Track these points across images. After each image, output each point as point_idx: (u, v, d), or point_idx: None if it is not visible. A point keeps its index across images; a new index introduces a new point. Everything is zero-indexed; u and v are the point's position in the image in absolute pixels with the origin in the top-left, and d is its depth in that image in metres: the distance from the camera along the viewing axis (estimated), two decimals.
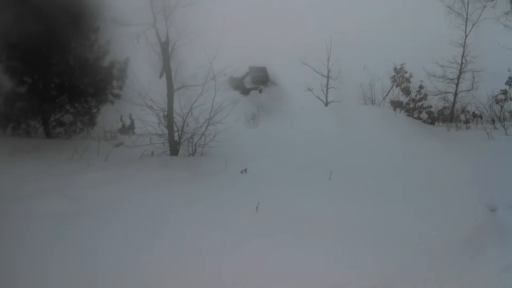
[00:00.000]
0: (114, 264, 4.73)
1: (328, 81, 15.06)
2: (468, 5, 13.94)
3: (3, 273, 4.48)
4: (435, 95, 13.96)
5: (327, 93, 15.01)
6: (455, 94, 14.05)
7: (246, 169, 7.62)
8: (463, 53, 13.94)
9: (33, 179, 7.18)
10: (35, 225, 5.43)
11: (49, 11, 10.35)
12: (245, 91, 18.96)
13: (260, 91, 19.17)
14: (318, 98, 14.86)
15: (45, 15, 10.28)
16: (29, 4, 10.07)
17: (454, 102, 13.95)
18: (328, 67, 14.96)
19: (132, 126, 12.37)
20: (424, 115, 13.20)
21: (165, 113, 8.97)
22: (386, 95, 14.41)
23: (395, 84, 14.03)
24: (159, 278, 4.54)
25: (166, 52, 8.78)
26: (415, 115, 13.24)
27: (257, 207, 5.94)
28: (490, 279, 4.78)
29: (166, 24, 8.66)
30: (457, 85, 14.02)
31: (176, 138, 9.06)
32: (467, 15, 13.95)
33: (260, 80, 19.83)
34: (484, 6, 14.03)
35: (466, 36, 13.93)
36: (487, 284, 4.69)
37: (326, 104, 14.75)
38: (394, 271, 4.81)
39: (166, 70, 8.95)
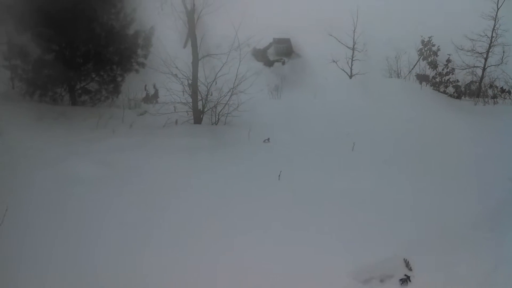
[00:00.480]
0: (136, 224, 4.84)
1: (353, 53, 14.87)
2: None
3: (28, 236, 4.60)
4: (462, 69, 13.72)
5: (351, 65, 14.85)
6: (484, 69, 13.76)
7: (269, 138, 7.65)
8: (494, 26, 13.56)
9: (59, 143, 7.33)
10: (61, 187, 5.56)
11: None
12: (269, 63, 18.87)
13: (283, 63, 19.06)
14: (343, 70, 14.73)
15: None
16: None
17: (482, 77, 13.68)
18: (353, 38, 14.76)
19: (156, 95, 12.47)
20: (450, 90, 12.99)
21: (190, 81, 8.99)
22: (412, 69, 14.21)
23: (422, 57, 13.81)
24: (179, 242, 4.62)
25: (192, 20, 8.75)
26: (441, 89, 13.04)
27: (279, 176, 5.97)
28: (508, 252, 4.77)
29: None
30: (486, 59, 13.72)
31: (200, 106, 9.10)
32: None
33: (284, 51, 19.70)
34: None
35: (498, 9, 13.52)
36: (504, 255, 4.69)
37: (351, 76, 14.61)
38: (415, 242, 4.82)
39: (192, 38, 8.93)
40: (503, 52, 13.65)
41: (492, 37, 13.68)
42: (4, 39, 10.63)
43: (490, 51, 13.76)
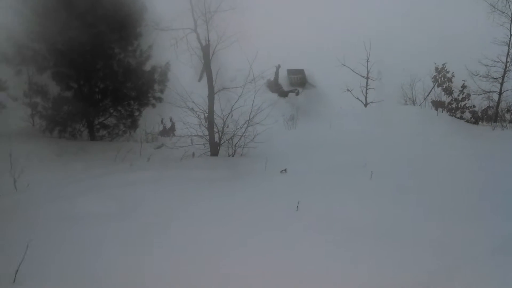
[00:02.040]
0: (154, 261, 4.83)
1: (367, 81, 14.96)
2: None
3: (45, 271, 4.60)
4: (478, 94, 13.68)
5: (366, 93, 14.91)
6: (500, 93, 13.70)
7: (286, 169, 7.65)
8: (508, 51, 13.57)
9: (78, 179, 7.43)
10: (77, 223, 5.58)
11: (93, 18, 10.74)
12: (283, 94, 19.03)
13: (297, 94, 19.21)
14: (357, 99, 14.79)
15: (90, 23, 10.67)
16: (74, 12, 10.45)
17: (498, 101, 13.61)
18: (367, 67, 14.85)
19: (173, 128, 12.64)
20: (467, 115, 12.92)
21: (206, 114, 9.11)
22: (428, 95, 14.22)
23: (436, 84, 13.83)
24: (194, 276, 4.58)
25: (207, 55, 8.92)
26: (458, 115, 12.98)
27: (297, 207, 5.95)
28: None
29: (207, 28, 8.80)
30: (501, 84, 13.67)
31: (216, 139, 9.18)
32: (511, 13, 13.56)
33: (298, 82, 19.90)
34: None
35: (511, 35, 13.55)
36: None
37: (366, 105, 14.64)
38: (431, 273, 4.72)
39: (207, 72, 9.09)
40: None
41: (507, 62, 13.66)
42: (25, 78, 10.97)
43: (505, 76, 13.72)
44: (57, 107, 11.19)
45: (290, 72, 20.01)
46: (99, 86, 11.70)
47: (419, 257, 4.96)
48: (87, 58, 11.08)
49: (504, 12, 13.66)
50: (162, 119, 12.89)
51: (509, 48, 13.52)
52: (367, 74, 14.99)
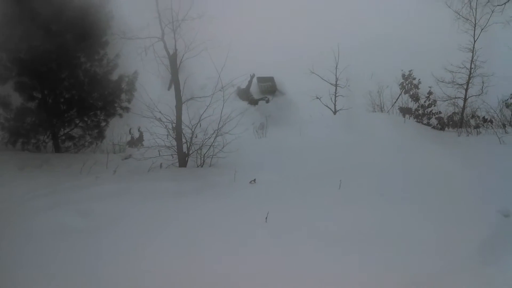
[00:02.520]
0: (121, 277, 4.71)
1: (336, 89, 15.06)
2: (476, 10, 13.86)
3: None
4: (444, 100, 13.88)
5: (335, 101, 14.99)
6: (465, 99, 13.93)
7: (255, 179, 7.58)
8: (472, 58, 13.83)
9: (42, 193, 7.21)
10: (43, 239, 5.43)
11: (58, 26, 10.51)
12: (253, 102, 19.01)
13: (267, 101, 19.21)
14: (327, 106, 14.85)
15: (55, 31, 10.43)
16: (38, 20, 10.20)
17: (463, 107, 13.83)
18: (336, 75, 14.96)
19: (141, 139, 12.46)
20: (433, 121, 13.10)
21: (174, 125, 8.97)
22: (395, 102, 14.38)
23: (403, 90, 13.98)
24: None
25: (174, 64, 8.80)
26: (425, 122, 13.15)
27: (266, 218, 5.88)
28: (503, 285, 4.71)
29: (174, 37, 8.69)
30: (466, 90, 13.90)
31: (184, 149, 9.05)
32: (475, 20, 13.85)
33: (268, 90, 19.91)
34: (493, 11, 13.93)
35: (474, 41, 13.82)
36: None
37: (335, 112, 14.73)
38: (407, 277, 4.73)
39: (175, 82, 8.97)
40: (483, 82, 13.85)
41: (471, 68, 13.92)
42: None
43: (470, 82, 13.97)
44: (20, 119, 10.88)
45: (260, 80, 20.01)
46: (64, 96, 11.45)
47: (401, 259, 4.97)
48: (51, 68, 10.84)
49: (468, 19, 13.92)
50: (130, 129, 12.69)
51: (473, 54, 13.76)
52: (336, 82, 15.07)
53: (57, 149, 11.38)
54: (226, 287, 4.63)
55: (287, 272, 4.84)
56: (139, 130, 12.55)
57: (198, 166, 9.11)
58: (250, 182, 7.54)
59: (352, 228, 5.72)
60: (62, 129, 11.58)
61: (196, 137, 9.14)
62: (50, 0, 10.18)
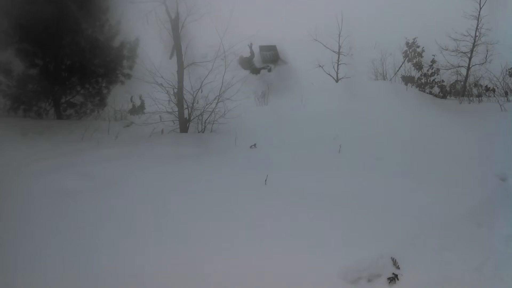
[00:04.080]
0: (119, 239, 4.79)
1: (339, 57, 14.94)
2: None
3: (11, 248, 4.56)
4: (447, 69, 13.79)
5: (337, 69, 14.91)
6: (468, 68, 13.86)
7: (255, 144, 7.62)
8: (477, 25, 13.68)
9: (45, 156, 7.28)
10: (45, 200, 5.51)
11: None
12: (255, 70, 18.91)
13: (270, 70, 19.11)
14: (329, 74, 14.78)
15: None
16: None
17: (466, 76, 13.76)
18: (339, 43, 14.83)
19: (142, 107, 12.43)
20: (436, 90, 13.04)
21: (175, 90, 8.97)
22: (398, 70, 14.29)
23: (407, 59, 13.87)
24: (162, 258, 4.57)
25: (176, 28, 8.74)
26: (427, 90, 13.09)
27: (265, 180, 5.94)
28: (498, 247, 4.79)
29: (176, 0, 8.59)
30: (470, 58, 13.82)
31: (186, 115, 9.08)
32: None
33: (270, 58, 19.78)
34: None
35: (480, 8, 13.65)
36: (493, 251, 4.70)
37: (337, 80, 14.66)
38: (403, 242, 4.80)
39: (177, 47, 8.93)
40: (487, 51, 13.75)
41: (475, 36, 13.79)
42: None
43: (474, 50, 13.86)
44: (21, 85, 10.85)
45: (263, 48, 19.88)
46: (65, 63, 11.38)
47: (390, 223, 5.05)
48: (52, 34, 10.75)
49: None
50: (132, 97, 12.67)
51: (478, 22, 13.62)
52: (339, 49, 14.94)
53: (59, 116, 11.39)
54: (222, 246, 4.70)
55: (276, 232, 4.92)
56: (140, 98, 12.52)
57: (199, 132, 9.15)
58: (251, 146, 7.59)
59: (346, 191, 5.77)
60: (63, 97, 11.57)
61: (197, 103, 9.16)
62: None
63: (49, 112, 11.43)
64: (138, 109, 12.31)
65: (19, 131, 9.33)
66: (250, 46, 18.88)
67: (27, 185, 5.94)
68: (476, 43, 13.74)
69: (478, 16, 13.63)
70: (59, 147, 8.04)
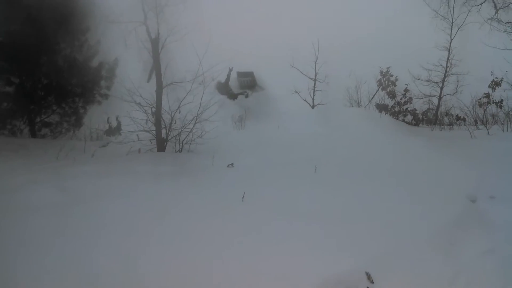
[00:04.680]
0: (101, 251, 4.75)
1: (315, 84, 15.24)
2: (453, 9, 14.24)
3: None
4: (420, 98, 14.20)
5: (314, 95, 15.18)
6: (440, 98, 14.28)
7: (232, 163, 7.68)
8: (448, 56, 14.19)
9: (21, 173, 7.17)
10: (25, 215, 5.42)
11: (38, 11, 10.43)
12: (232, 96, 19.09)
13: (247, 96, 19.32)
14: (305, 100, 15.03)
15: (35, 16, 10.35)
16: (18, 4, 10.12)
17: (438, 105, 14.18)
18: (315, 70, 15.15)
19: (119, 128, 12.38)
20: (409, 118, 13.38)
21: (154, 109, 9.02)
22: (372, 98, 14.62)
23: (381, 87, 14.21)
24: (136, 276, 4.53)
25: (156, 48, 8.86)
26: (400, 118, 13.42)
27: (243, 197, 5.99)
28: (469, 263, 4.91)
29: (157, 21, 8.73)
30: (441, 88, 14.26)
31: (163, 135, 9.10)
32: (452, 19, 14.25)
33: (247, 84, 20.02)
34: (469, 11, 14.33)
35: (451, 40, 14.19)
36: (466, 268, 4.82)
37: (313, 106, 14.91)
38: (377, 257, 4.88)
39: (156, 66, 9.02)
40: (457, 81, 14.24)
41: (447, 66, 14.28)
42: None
43: (445, 80, 14.32)
44: None
45: (240, 74, 20.12)
46: (42, 82, 11.37)
47: (364, 238, 5.14)
48: (30, 53, 10.74)
49: (445, 18, 14.32)
50: (108, 118, 12.63)
51: (449, 53, 14.15)
52: (315, 76, 15.27)
53: (33, 135, 11.29)
54: (199, 264, 4.69)
55: (256, 245, 4.95)
56: (117, 119, 12.49)
57: (176, 152, 9.17)
58: (228, 166, 7.64)
59: (321, 208, 5.85)
60: (39, 116, 11.49)
61: (175, 123, 9.20)
62: None
63: (23, 131, 11.32)
64: (114, 130, 12.27)
65: None
66: (230, 70, 19.09)
67: (1, 198, 5.84)
68: (447, 73, 14.21)
69: (449, 48, 14.17)
70: (34, 165, 7.94)
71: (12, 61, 10.65)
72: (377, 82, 14.28)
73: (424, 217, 5.76)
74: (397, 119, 13.35)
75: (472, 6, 14.38)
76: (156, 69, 9.02)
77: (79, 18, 10.92)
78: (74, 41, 11.28)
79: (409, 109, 13.62)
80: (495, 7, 13.94)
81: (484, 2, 14.03)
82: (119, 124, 12.33)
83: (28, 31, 10.36)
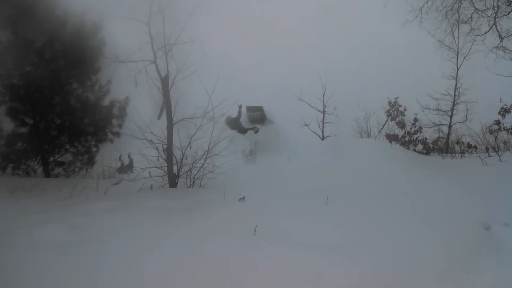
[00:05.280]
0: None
1: (324, 116, 15.34)
2: (458, 39, 14.40)
3: None
4: (429, 127, 14.21)
5: (323, 127, 15.26)
6: (450, 126, 14.29)
7: (244, 197, 7.69)
8: (456, 85, 14.26)
9: (34, 211, 7.27)
10: (37, 253, 5.46)
11: (51, 53, 10.75)
12: (242, 131, 19.24)
13: (256, 132, 19.45)
14: (315, 133, 15.11)
15: (48, 58, 10.67)
16: (32, 46, 10.44)
17: (448, 134, 14.16)
18: (323, 102, 15.27)
19: (130, 165, 12.50)
20: (419, 147, 13.37)
21: (165, 146, 9.12)
22: (382, 129, 14.65)
23: (390, 117, 14.27)
24: None
25: (166, 86, 9.02)
26: (411, 148, 13.41)
27: (255, 231, 5.99)
28: None
29: (166, 60, 8.91)
30: (451, 116, 14.29)
31: (175, 170, 9.17)
32: (458, 49, 14.38)
33: (257, 119, 20.20)
34: (474, 40, 14.46)
35: (458, 69, 14.29)
36: None
37: (323, 138, 14.96)
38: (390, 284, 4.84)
39: (166, 103, 9.16)
40: (467, 109, 14.27)
41: (455, 95, 14.34)
42: None
43: (454, 108, 14.36)
44: (11, 144, 10.99)
45: (250, 109, 20.33)
46: (55, 122, 11.60)
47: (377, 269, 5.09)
48: (44, 94, 11.02)
49: (451, 48, 14.48)
50: (120, 156, 12.77)
51: (456, 81, 14.24)
52: (324, 108, 15.40)
53: (47, 174, 11.44)
54: None
55: (268, 280, 4.92)
56: (129, 157, 12.62)
57: (188, 187, 9.22)
58: (239, 199, 7.65)
59: (334, 241, 5.82)
60: (52, 155, 11.66)
61: (186, 158, 9.28)
62: (43, 27, 10.47)
63: (37, 171, 11.48)
64: (126, 168, 12.38)
65: (7, 189, 9.35)
66: (240, 107, 19.31)
67: (14, 238, 5.90)
68: (456, 101, 14.26)
69: (456, 76, 14.25)
70: (47, 203, 8.05)
71: (26, 102, 10.92)
72: (385, 112, 14.35)
73: (438, 246, 5.71)
74: (408, 148, 13.34)
75: (477, 35, 14.51)
76: (166, 106, 9.16)
77: (91, 59, 11.22)
78: (86, 81, 11.56)
79: (419, 138, 13.63)
80: (500, 36, 14.04)
81: (488, 31, 14.15)
82: (131, 161, 12.46)
83: (41, 72, 10.66)
